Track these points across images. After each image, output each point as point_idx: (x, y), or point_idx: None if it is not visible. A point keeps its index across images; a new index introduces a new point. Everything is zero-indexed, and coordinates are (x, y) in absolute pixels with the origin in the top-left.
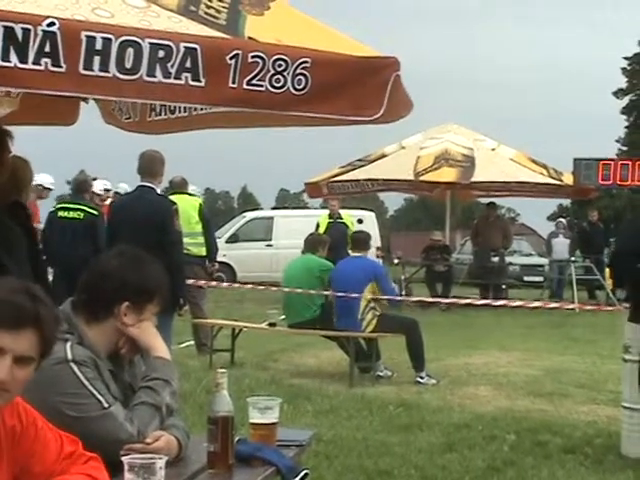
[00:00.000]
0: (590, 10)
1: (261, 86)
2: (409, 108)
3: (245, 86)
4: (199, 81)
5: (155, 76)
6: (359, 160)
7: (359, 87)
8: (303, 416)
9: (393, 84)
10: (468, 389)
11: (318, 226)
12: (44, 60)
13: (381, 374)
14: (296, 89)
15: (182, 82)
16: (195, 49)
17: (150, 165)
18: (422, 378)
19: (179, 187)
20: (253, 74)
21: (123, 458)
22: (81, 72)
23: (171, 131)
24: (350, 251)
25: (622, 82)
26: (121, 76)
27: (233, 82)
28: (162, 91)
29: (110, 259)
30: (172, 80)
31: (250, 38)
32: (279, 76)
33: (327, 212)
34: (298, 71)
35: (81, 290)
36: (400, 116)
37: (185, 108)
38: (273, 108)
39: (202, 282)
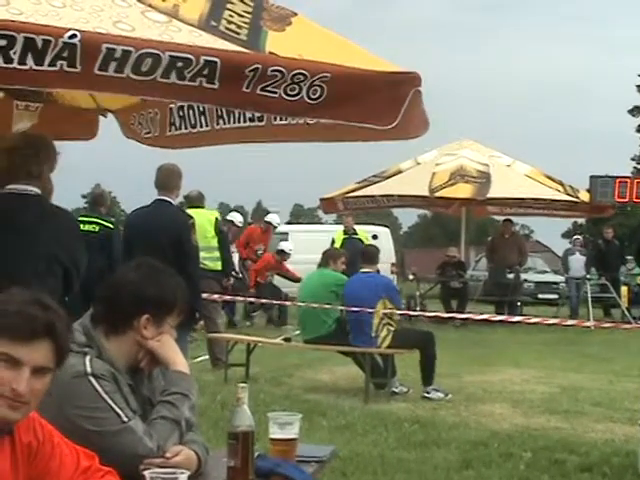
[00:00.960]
0: (605, 27)
1: (275, 93)
2: (425, 127)
3: (259, 92)
4: (213, 84)
5: (169, 78)
6: (375, 176)
7: (375, 97)
8: (318, 432)
9: (412, 98)
10: (484, 406)
11: (333, 242)
12: (60, 62)
13: (396, 390)
14: (310, 98)
15: (196, 84)
16: (215, 62)
17: (167, 179)
18: (429, 392)
19: (195, 201)
20: (269, 82)
21: (144, 472)
22: (95, 72)
23: (190, 146)
24: (362, 265)
25: (638, 99)
26: (135, 77)
27: (247, 87)
28: (175, 91)
29: (128, 271)
30: (186, 82)
31: (271, 53)
32: (295, 86)
33: (342, 228)
34: (315, 83)
35: (99, 303)
36: (416, 134)
37: (206, 122)
38: (284, 113)
39: (216, 296)
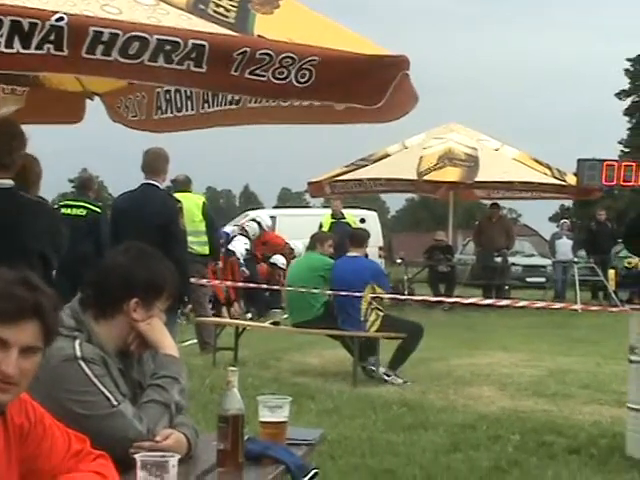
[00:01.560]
0: (593, 11)
1: (263, 76)
2: (413, 103)
3: (247, 75)
4: (201, 68)
5: (157, 61)
6: (362, 160)
7: (362, 80)
8: (306, 415)
9: (400, 81)
10: (472, 389)
11: (321, 226)
12: (47, 46)
13: (388, 379)
14: (299, 82)
15: (184, 68)
16: (203, 45)
17: (154, 163)
18: (389, 376)
19: (183, 185)
20: (257, 66)
21: (135, 456)
22: (83, 56)
23: (176, 129)
24: (350, 248)
25: (625, 83)
26: (122, 60)
27: (235, 71)
28: (163, 74)
29: (117, 255)
30: (174, 65)
31: (259, 36)
32: (283, 69)
33: (330, 212)
34: (304, 67)
35: (89, 287)
36: (404, 112)
37: (192, 106)
38: (272, 96)
39: (205, 281)
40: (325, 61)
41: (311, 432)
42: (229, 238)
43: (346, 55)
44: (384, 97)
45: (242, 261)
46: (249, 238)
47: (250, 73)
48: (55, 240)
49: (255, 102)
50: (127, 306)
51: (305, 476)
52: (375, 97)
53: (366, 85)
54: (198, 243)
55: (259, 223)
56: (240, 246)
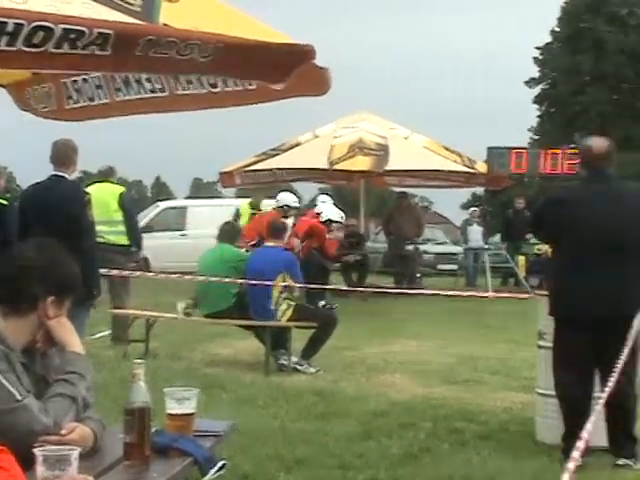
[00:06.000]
0: (512, 2)
1: (166, 54)
2: (321, 90)
3: (151, 54)
4: (106, 51)
5: (62, 48)
6: (273, 149)
7: (266, 67)
8: (219, 406)
9: (305, 68)
10: (385, 377)
11: (239, 216)
12: None
13: (301, 368)
14: (202, 57)
15: (88, 52)
16: (109, 34)
17: (62, 154)
18: (302, 365)
19: (105, 175)
20: (162, 48)
21: (35, 450)
22: None
23: (91, 117)
24: (268, 239)
25: (534, 71)
26: (27, 49)
27: (140, 52)
28: (67, 61)
29: (30, 252)
30: (79, 51)
31: (165, 25)
32: (187, 50)
33: (247, 201)
34: (208, 48)
35: (1, 284)
36: (316, 92)
37: (105, 95)
38: (177, 71)
39: (115, 272)
40: (230, 49)
41: (219, 423)
42: None
43: (250, 43)
44: (287, 79)
45: None
46: None
47: (154, 52)
48: None
49: (181, 90)
50: (43, 304)
51: (212, 468)
52: (278, 78)
53: (270, 73)
54: (113, 233)
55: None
56: None
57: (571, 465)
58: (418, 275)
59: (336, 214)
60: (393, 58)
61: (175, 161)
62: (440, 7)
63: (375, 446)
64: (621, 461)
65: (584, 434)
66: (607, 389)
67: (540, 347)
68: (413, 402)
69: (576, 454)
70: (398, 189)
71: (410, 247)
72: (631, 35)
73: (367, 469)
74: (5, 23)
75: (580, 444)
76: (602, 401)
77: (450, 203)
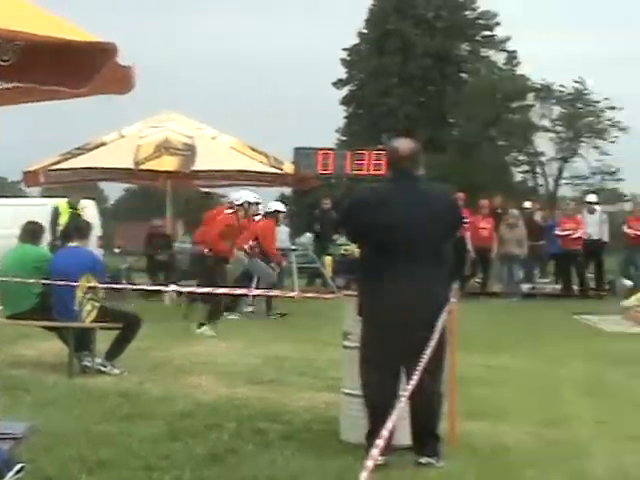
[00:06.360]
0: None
1: None
2: (125, 87)
3: None
4: None
5: None
6: (78, 149)
7: (69, 63)
8: (21, 408)
9: (108, 66)
10: (191, 378)
11: (58, 215)
12: None
13: (105, 370)
14: (2, 60)
15: None
16: None
17: None
18: (105, 367)
19: None
20: None
21: None
22: None
23: None
24: (73, 239)
25: (341, 73)
26: None
27: None
28: None
29: None
30: None
31: None
32: None
33: (65, 201)
34: (8, 48)
35: None
36: (112, 91)
37: None
38: None
39: None
40: (30, 45)
41: (19, 425)
42: None
43: (52, 40)
44: (90, 82)
45: None
46: None
47: None
48: None
49: None
50: None
51: (10, 471)
52: (82, 82)
53: (73, 70)
54: None
55: None
56: None
57: (370, 463)
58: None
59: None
60: (200, 58)
61: None
62: (247, 7)
63: (181, 447)
64: (424, 460)
65: (384, 432)
66: (409, 387)
67: (345, 347)
68: (218, 403)
69: (375, 452)
70: (204, 189)
71: None
72: (437, 38)
73: (172, 470)
74: None
75: (380, 442)
76: (404, 399)
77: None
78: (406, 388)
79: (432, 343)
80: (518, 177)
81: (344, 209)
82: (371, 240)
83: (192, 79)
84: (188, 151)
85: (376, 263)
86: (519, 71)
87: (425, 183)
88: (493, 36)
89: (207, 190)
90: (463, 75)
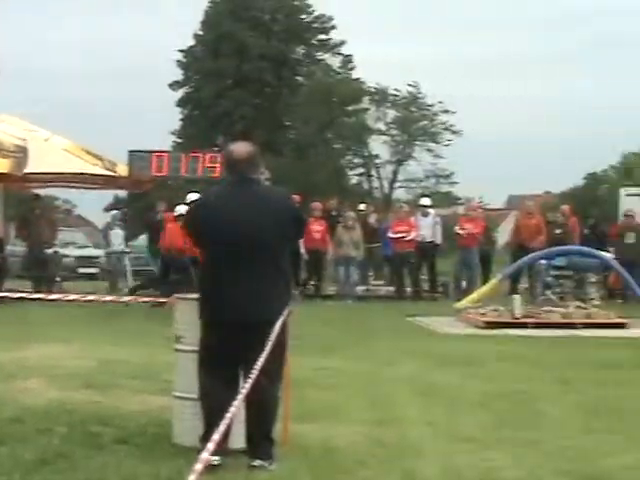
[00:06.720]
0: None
1: None
2: None
3: None
4: None
5: None
6: None
7: None
8: None
9: None
10: (20, 382)
11: None
12: None
13: None
14: None
15: None
16: None
17: None
18: None
19: None
20: None
21: None
22: None
23: None
24: None
25: (178, 74)
26: None
27: None
28: None
29: None
30: None
31: None
32: None
33: None
34: None
35: None
36: None
37: None
38: None
39: None
40: None
41: None
42: None
43: None
44: None
45: None
46: None
47: None
48: None
49: None
50: None
51: None
52: None
53: None
54: None
55: None
56: None
57: (198, 466)
58: (58, 279)
59: None
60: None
61: None
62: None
63: (8, 453)
64: (257, 462)
65: (215, 435)
66: (244, 390)
67: (177, 350)
68: (49, 407)
69: (205, 455)
70: (33, 192)
71: (50, 251)
72: (273, 41)
73: (0, 476)
74: None
75: (210, 445)
76: (237, 402)
77: (94, 206)
78: (240, 391)
79: (269, 345)
80: (353, 180)
81: (188, 211)
82: (208, 243)
83: (26, 79)
84: (20, 153)
85: (212, 266)
86: (354, 74)
87: (262, 186)
88: (329, 40)
89: (37, 192)
90: (299, 78)
